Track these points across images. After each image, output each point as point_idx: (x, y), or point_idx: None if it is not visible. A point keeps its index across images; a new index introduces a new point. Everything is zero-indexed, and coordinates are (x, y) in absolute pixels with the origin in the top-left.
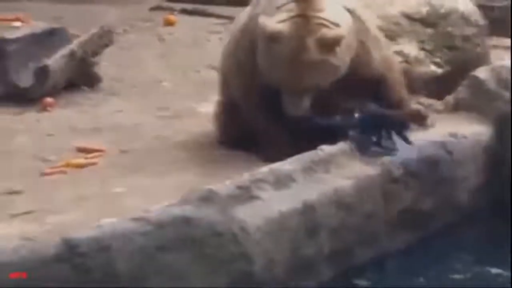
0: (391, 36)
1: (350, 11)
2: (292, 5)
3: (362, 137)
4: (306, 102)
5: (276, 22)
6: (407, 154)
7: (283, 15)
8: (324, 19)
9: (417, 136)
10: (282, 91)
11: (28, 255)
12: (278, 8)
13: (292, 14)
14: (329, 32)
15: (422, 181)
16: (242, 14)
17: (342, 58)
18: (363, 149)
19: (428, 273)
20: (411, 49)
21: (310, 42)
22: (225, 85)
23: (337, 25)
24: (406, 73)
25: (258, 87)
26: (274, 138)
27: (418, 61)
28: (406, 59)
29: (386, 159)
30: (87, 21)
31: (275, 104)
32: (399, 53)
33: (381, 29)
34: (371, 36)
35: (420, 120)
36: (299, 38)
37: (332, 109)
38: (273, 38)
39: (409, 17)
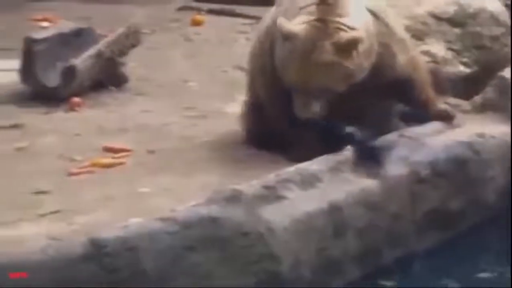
0: (419, 36)
1: (374, 14)
2: (314, 8)
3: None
4: (317, 105)
5: (295, 24)
6: (435, 154)
7: (304, 18)
8: (342, 23)
9: (445, 136)
10: (293, 92)
11: (55, 255)
12: (301, 9)
13: (312, 17)
14: (345, 36)
15: (449, 181)
16: (267, 15)
17: (360, 63)
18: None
19: (454, 274)
20: (439, 49)
21: (325, 44)
22: (252, 85)
23: (355, 29)
24: (434, 73)
25: (281, 88)
26: (300, 138)
27: (445, 61)
28: (434, 59)
29: (414, 159)
30: (115, 21)
31: None
32: (426, 53)
33: (408, 29)
34: (396, 39)
35: (447, 119)
36: (314, 40)
37: (357, 111)
38: (288, 37)
39: (436, 17)
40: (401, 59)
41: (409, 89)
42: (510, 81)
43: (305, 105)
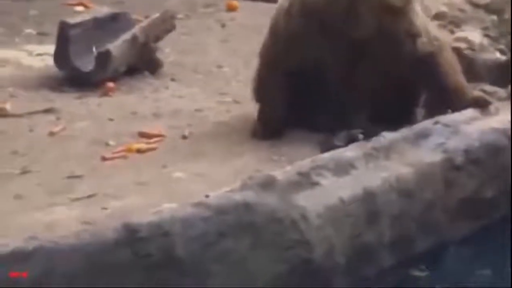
0: (456, 23)
1: None
2: None
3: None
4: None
5: None
6: (470, 142)
7: None
8: None
9: (480, 123)
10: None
11: (89, 239)
12: None
13: None
14: None
15: (484, 168)
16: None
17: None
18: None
19: (488, 263)
20: (475, 36)
21: None
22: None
23: None
24: (470, 60)
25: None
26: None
27: (482, 48)
28: (471, 46)
29: (449, 146)
30: (149, 6)
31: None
32: (463, 39)
33: (445, 15)
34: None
35: (483, 106)
36: None
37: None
38: None
39: (473, 3)
40: (423, 38)
41: (435, 73)
42: None
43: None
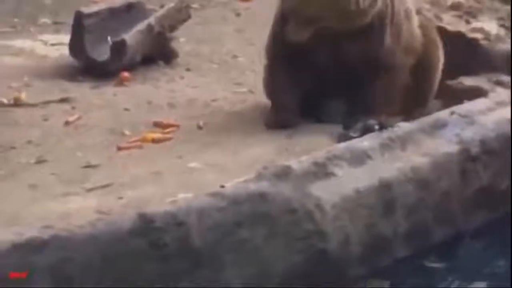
0: (472, 13)
1: None
2: None
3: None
4: (309, 30)
5: None
6: (486, 132)
7: None
8: None
9: (496, 113)
10: (290, 16)
11: (104, 229)
12: None
13: None
14: None
15: (500, 159)
16: None
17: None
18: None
19: (503, 254)
20: (491, 26)
21: None
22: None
23: None
24: (486, 51)
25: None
26: (281, 102)
27: (498, 38)
28: (487, 36)
29: (464, 136)
30: None
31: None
32: (479, 30)
33: (461, 6)
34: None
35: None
36: None
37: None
38: None
39: None
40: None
41: (375, 85)
42: None
43: (298, 29)
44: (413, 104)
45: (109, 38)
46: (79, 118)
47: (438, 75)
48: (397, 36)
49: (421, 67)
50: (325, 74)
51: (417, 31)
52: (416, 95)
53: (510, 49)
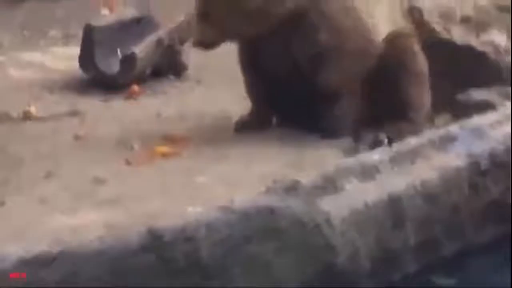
0: (482, 26)
1: None
2: None
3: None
4: (213, 32)
5: None
6: (495, 145)
7: None
8: None
9: (504, 126)
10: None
11: (112, 243)
12: None
13: None
14: None
15: (509, 172)
16: None
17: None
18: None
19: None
20: (501, 39)
21: None
22: None
23: None
24: (496, 64)
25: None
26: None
27: (507, 51)
28: (497, 49)
29: (474, 150)
30: (175, 8)
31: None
32: (490, 43)
33: (471, 19)
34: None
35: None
36: None
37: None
38: None
39: (499, 6)
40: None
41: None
42: None
43: (202, 31)
44: (390, 116)
45: (119, 51)
46: (88, 132)
47: (419, 87)
48: (336, 33)
49: (394, 76)
50: (275, 78)
51: (372, 32)
52: (392, 107)
53: None
